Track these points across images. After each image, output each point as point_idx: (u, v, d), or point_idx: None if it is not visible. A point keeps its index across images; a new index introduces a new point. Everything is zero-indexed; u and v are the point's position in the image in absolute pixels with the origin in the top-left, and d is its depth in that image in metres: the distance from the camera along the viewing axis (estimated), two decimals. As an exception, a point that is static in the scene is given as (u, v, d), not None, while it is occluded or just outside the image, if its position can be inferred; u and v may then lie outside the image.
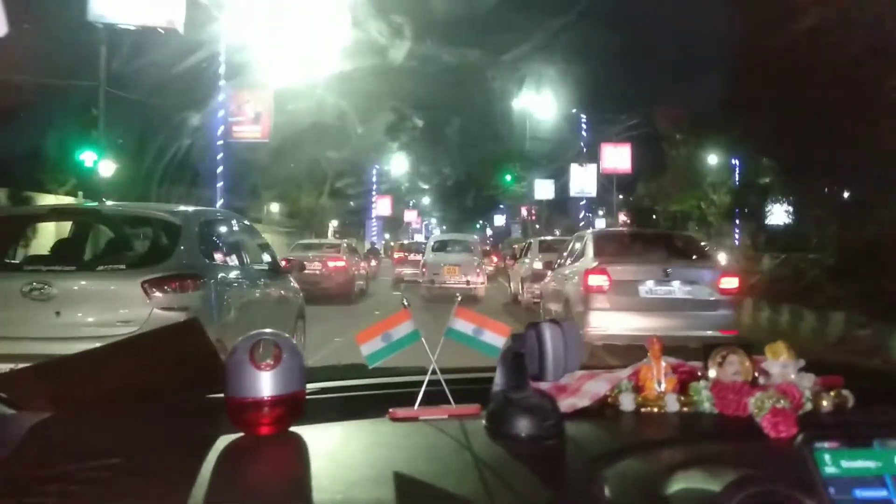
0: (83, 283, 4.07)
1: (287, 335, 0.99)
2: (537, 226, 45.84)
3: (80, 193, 16.10)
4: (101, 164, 14.60)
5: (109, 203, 5.77)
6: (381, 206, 48.26)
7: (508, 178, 42.90)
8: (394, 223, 54.28)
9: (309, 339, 6.35)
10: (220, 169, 18.98)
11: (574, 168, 32.44)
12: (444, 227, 66.04)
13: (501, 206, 61.30)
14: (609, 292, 6.71)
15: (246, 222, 6.10)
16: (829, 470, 0.66)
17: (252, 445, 0.92)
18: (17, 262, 4.43)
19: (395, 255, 22.03)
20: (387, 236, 53.02)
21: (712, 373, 1.12)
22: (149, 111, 18.82)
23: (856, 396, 1.11)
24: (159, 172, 18.98)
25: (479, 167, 49.88)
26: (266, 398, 0.92)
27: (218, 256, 4.84)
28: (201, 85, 18.87)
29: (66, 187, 17.09)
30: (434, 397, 1.06)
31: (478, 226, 65.56)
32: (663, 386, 1.10)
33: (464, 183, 53.19)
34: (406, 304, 1.11)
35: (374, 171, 44.43)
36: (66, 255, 4.47)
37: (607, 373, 1.14)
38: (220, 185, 18.94)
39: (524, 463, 0.85)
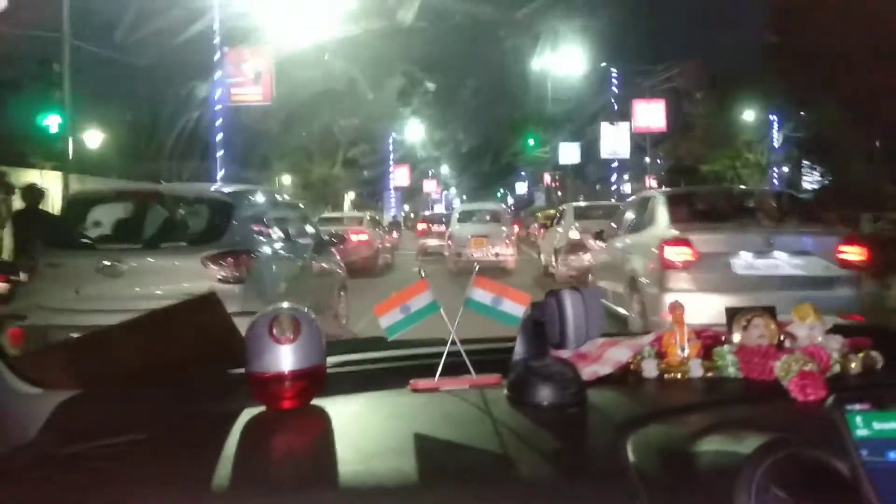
0: (149, 259, 4.47)
1: (307, 310, 0.98)
2: (559, 193, 43.62)
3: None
4: (87, 134, 13.15)
5: (167, 184, 6.17)
6: (399, 176, 45.39)
7: (531, 142, 39.40)
8: (412, 194, 51.67)
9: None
10: (219, 137, 16.48)
11: (604, 128, 28.90)
12: (464, 197, 63.42)
13: (522, 173, 58.38)
14: (694, 269, 5.22)
15: (289, 199, 6.76)
16: (861, 432, 0.65)
17: (274, 419, 0.93)
18: (91, 240, 4.71)
19: (419, 227, 21.89)
20: (406, 208, 50.92)
21: (737, 337, 1.10)
22: (135, 75, 17.10)
23: (885, 357, 1.08)
24: (154, 143, 17.43)
25: (499, 132, 46.83)
26: (287, 372, 0.92)
27: (266, 232, 5.11)
28: (196, 45, 16.58)
29: (53, 162, 13.79)
30: (454, 368, 1.06)
31: (498, 194, 62.78)
32: (686, 351, 1.09)
33: (482, 149, 50.30)
34: (423, 274, 1.10)
35: (391, 140, 41.33)
36: (132, 234, 4.73)
37: (629, 339, 1.13)
38: (219, 154, 16.27)
39: (546, 431, 0.85)
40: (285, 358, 0.92)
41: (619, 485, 0.71)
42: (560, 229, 12.07)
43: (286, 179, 29.73)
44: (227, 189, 5.38)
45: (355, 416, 0.95)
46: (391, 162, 42.75)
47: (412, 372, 1.08)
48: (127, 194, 5.49)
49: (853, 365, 1.05)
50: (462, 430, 0.88)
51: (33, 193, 7.13)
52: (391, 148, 41.89)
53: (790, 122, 25.09)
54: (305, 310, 0.98)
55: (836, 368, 1.03)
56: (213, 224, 4.71)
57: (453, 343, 1.07)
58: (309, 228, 6.19)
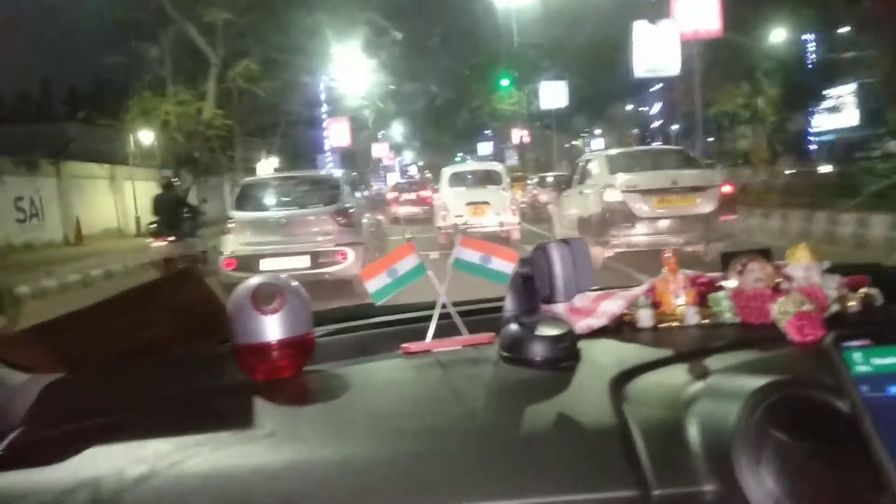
0: (300, 217, 7.77)
1: (290, 278, 0.96)
2: (527, 153, 37.62)
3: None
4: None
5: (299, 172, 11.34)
6: (337, 134, 32.81)
7: (505, 82, 33.25)
8: (354, 158, 39.14)
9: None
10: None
11: (640, 31, 18.19)
12: (421, 164, 58.07)
13: (487, 132, 50.65)
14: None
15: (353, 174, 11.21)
16: (860, 368, 0.63)
17: (264, 391, 0.91)
18: (267, 208, 8.11)
19: (389, 196, 22.04)
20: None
21: (732, 282, 1.08)
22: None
23: (883, 295, 1.06)
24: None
25: (460, 85, 39.46)
26: (273, 342, 0.90)
27: (356, 195, 8.81)
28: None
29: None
30: (446, 330, 1.04)
31: (457, 158, 51.57)
32: (682, 299, 1.07)
33: (441, 105, 41.51)
34: (409, 236, 1.07)
35: (322, 87, 29.64)
36: (289, 202, 8.18)
37: (623, 290, 1.11)
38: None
39: (541, 388, 0.83)
40: (270, 328, 0.90)
41: (615, 437, 0.69)
42: (588, 191, 8.89)
43: (145, 136, 19.99)
44: (333, 172, 10.00)
45: (347, 382, 0.94)
46: (324, 116, 32.22)
47: (404, 336, 1.06)
48: (282, 178, 9.70)
49: (851, 304, 1.03)
50: (457, 391, 0.87)
51: (168, 183, 10.40)
52: (322, 97, 31.05)
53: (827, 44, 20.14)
54: (289, 280, 0.95)
55: (834, 308, 1.01)
56: (332, 194, 7.99)
57: (444, 306, 1.05)
58: (365, 192, 10.06)
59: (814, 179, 18.25)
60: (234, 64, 19.53)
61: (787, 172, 19.58)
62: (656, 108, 33.21)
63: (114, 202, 23.45)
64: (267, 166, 21.30)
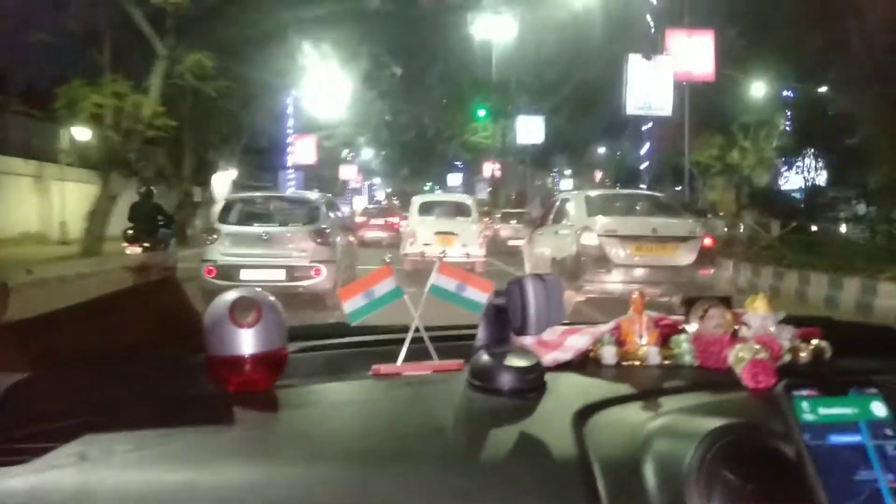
0: (280, 234, 8.43)
1: (267, 293, 0.98)
2: (495, 190, 36.85)
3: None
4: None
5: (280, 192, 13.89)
6: (302, 151, 31.91)
7: (482, 112, 32.80)
8: (320, 179, 37.66)
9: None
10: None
11: (634, 66, 17.86)
12: (390, 190, 57.75)
13: (458, 164, 49.34)
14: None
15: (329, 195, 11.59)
16: (807, 417, 0.67)
17: (234, 404, 0.92)
18: (250, 223, 8.76)
19: (357, 220, 21.93)
20: None
21: (694, 326, 1.13)
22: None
23: (833, 347, 1.12)
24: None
25: (434, 114, 39.36)
26: (247, 356, 0.91)
27: (331, 216, 9.23)
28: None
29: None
30: (417, 354, 1.06)
31: (426, 187, 50.70)
32: (645, 339, 1.11)
33: (413, 134, 41.71)
34: (388, 259, 1.10)
35: (289, 102, 29.72)
36: (271, 218, 9.06)
37: (589, 327, 1.14)
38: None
39: (506, 417, 0.86)
40: (245, 341, 0.91)
41: (576, 468, 0.72)
42: (564, 231, 8.61)
43: (83, 134, 16.95)
44: (313, 194, 10.51)
45: (317, 400, 0.95)
46: (288, 131, 31.28)
47: (375, 357, 1.08)
48: (265, 198, 10.49)
49: (803, 354, 1.08)
50: (423, 414, 0.89)
51: (147, 192, 10.71)
52: (288, 111, 30.22)
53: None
54: (266, 294, 0.97)
55: (787, 357, 1.06)
56: (310, 214, 8.74)
57: (416, 329, 1.07)
58: (338, 213, 10.37)
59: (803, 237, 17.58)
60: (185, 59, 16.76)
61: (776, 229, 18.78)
62: (629, 150, 32.00)
63: (38, 204, 20.91)
64: (224, 179, 19.94)
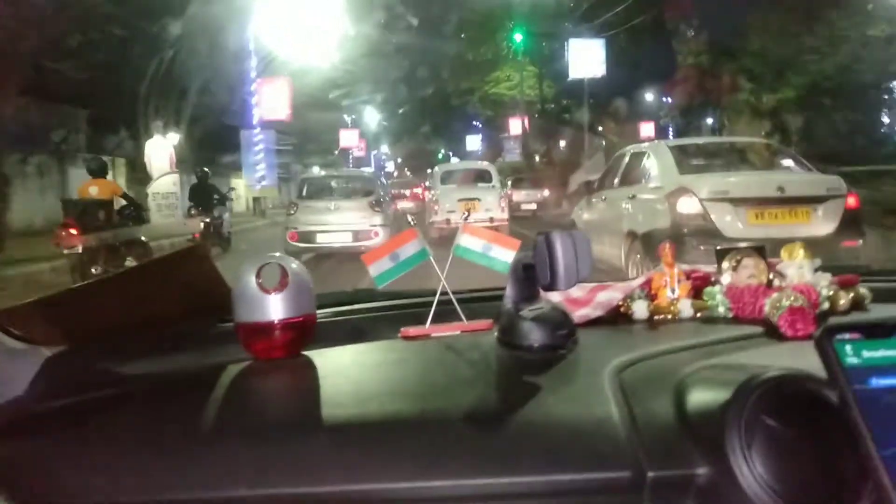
0: (346, 204, 10.30)
1: (294, 261, 0.97)
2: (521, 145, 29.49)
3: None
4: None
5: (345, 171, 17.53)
6: (270, 100, 22.59)
7: (518, 37, 25.29)
8: (305, 141, 30.25)
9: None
10: None
11: None
12: (399, 160, 52.50)
13: (476, 124, 41.47)
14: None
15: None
16: (851, 360, 0.65)
17: (264, 370, 0.92)
18: (321, 195, 10.76)
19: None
20: (315, 170, 22.52)
21: (727, 277, 1.10)
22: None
23: (872, 296, 1.09)
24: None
25: (448, 63, 31.60)
26: (276, 322, 0.92)
27: (385, 186, 12.49)
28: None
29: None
30: (445, 316, 1.06)
31: (440, 154, 45.43)
32: (677, 292, 1.09)
33: (424, 98, 34.40)
34: (413, 222, 1.08)
35: (248, 37, 20.72)
36: (337, 193, 11.05)
37: (620, 283, 1.13)
38: None
39: (538, 373, 0.85)
40: (274, 307, 0.91)
41: (614, 423, 0.71)
42: (645, 196, 6.30)
43: None
44: (369, 171, 15.79)
45: (347, 364, 0.95)
46: (252, 72, 21.65)
47: (403, 320, 1.07)
48: (326, 176, 12.86)
49: (842, 301, 1.05)
50: (454, 374, 0.89)
51: (203, 174, 12.13)
52: (249, 44, 21.11)
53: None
54: (292, 260, 0.96)
55: (826, 305, 1.03)
56: (368, 188, 10.85)
57: (444, 292, 1.06)
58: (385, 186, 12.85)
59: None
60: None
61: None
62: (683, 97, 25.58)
63: None
64: (160, 148, 14.32)
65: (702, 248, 5.30)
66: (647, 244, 5.89)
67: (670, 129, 30.01)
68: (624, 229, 6.41)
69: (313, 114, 27.11)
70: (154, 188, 12.97)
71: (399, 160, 54.05)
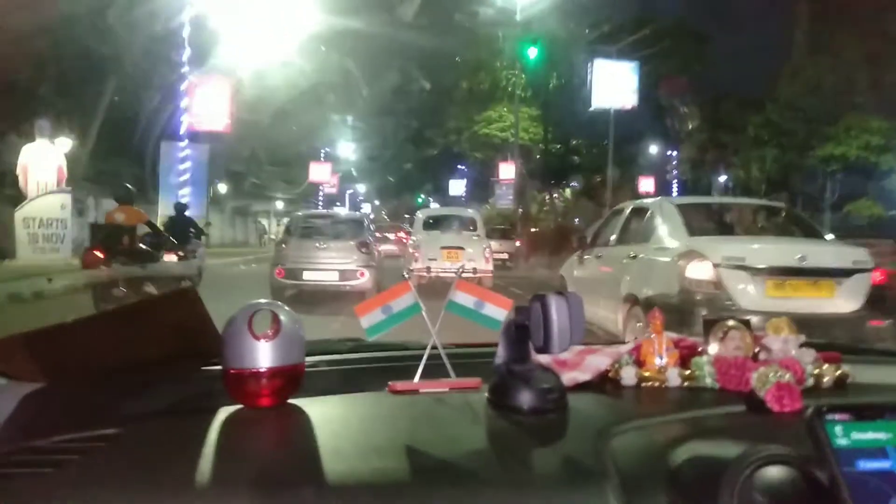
0: (334, 244, 10.19)
1: (286, 306, 0.97)
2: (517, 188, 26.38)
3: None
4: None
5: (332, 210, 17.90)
6: (204, 106, 18.24)
7: (532, 51, 21.51)
8: (269, 177, 26.99)
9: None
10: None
11: None
12: (377, 203, 50.14)
13: (461, 167, 38.74)
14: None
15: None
16: (840, 442, 0.66)
17: (250, 417, 0.91)
18: (307, 235, 10.49)
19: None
20: (281, 223, 21.03)
21: (714, 348, 1.11)
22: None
23: (855, 373, 1.11)
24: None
25: (435, 104, 29.43)
26: (264, 369, 0.90)
27: (372, 230, 11.94)
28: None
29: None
30: (435, 371, 1.05)
31: (420, 198, 42.42)
32: (665, 360, 1.10)
33: (404, 130, 32.12)
34: (406, 275, 1.09)
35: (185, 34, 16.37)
36: (325, 232, 10.61)
37: (609, 347, 1.13)
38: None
39: (527, 435, 0.84)
40: (263, 355, 0.90)
41: (598, 491, 0.71)
42: (650, 256, 5.66)
43: None
44: (357, 213, 13.41)
45: (333, 416, 0.94)
46: (184, 71, 17.15)
47: (392, 373, 1.07)
48: (315, 215, 12.30)
49: (826, 378, 1.06)
50: (441, 432, 0.88)
51: (181, 206, 11.50)
52: (185, 41, 16.61)
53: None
54: (285, 307, 0.96)
55: (811, 381, 1.04)
56: (356, 229, 10.72)
57: (434, 346, 1.06)
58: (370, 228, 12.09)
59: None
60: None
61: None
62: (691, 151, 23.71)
63: None
64: (45, 155, 11.28)
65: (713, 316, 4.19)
66: (649, 310, 4.42)
67: (674, 184, 27.62)
68: (622, 292, 5.74)
69: (275, 137, 22.20)
70: (28, 211, 10.10)
71: (377, 202, 51.10)
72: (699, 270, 5.00)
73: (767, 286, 4.90)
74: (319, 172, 35.16)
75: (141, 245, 8.37)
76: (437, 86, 27.68)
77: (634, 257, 5.84)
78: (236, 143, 20.52)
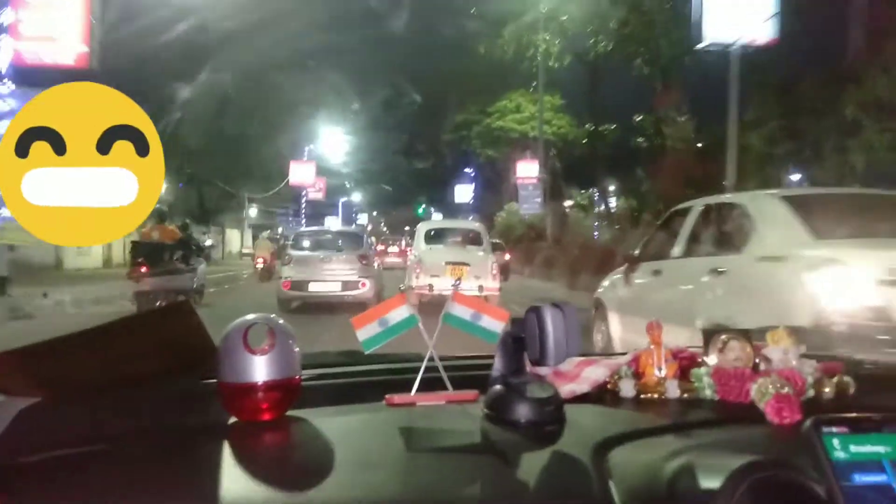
0: (338, 256, 11.11)
1: (280, 320, 0.97)
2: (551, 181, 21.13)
3: None
4: None
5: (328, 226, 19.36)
6: (41, 24, 11.15)
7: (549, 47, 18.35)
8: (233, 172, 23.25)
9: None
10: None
11: None
12: (375, 213, 46.59)
13: (469, 170, 34.25)
14: None
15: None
16: (838, 455, 0.65)
17: (246, 431, 0.90)
18: (311, 248, 11.71)
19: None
20: (265, 235, 20.57)
21: (713, 359, 1.11)
22: None
23: (855, 384, 1.10)
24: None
25: (439, 100, 25.55)
26: (260, 383, 0.90)
27: (370, 243, 12.91)
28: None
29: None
30: (431, 383, 1.05)
31: (421, 208, 38.02)
32: (663, 372, 1.09)
33: (408, 127, 27.93)
34: (402, 288, 1.09)
35: None
36: (327, 246, 11.56)
37: (607, 359, 1.13)
38: None
39: (524, 448, 0.84)
40: (259, 369, 0.90)
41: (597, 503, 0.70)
42: (757, 269, 4.01)
43: None
44: (353, 227, 18.23)
45: (330, 429, 0.93)
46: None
47: (388, 386, 1.06)
48: (317, 231, 13.67)
49: (826, 389, 1.05)
50: (438, 445, 0.87)
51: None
52: None
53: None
54: (280, 321, 0.96)
55: (811, 392, 1.04)
56: (356, 242, 11.71)
57: (431, 358, 1.06)
58: (370, 240, 13.51)
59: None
60: None
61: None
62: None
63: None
64: None
65: (875, 351, 3.15)
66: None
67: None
68: (698, 318, 4.13)
69: (237, 120, 17.87)
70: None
71: (374, 213, 46.66)
72: (849, 288, 3.44)
73: None
74: (301, 173, 27.89)
75: (175, 260, 9.65)
76: (442, 73, 22.74)
77: (721, 272, 4.24)
78: (188, 126, 15.21)
